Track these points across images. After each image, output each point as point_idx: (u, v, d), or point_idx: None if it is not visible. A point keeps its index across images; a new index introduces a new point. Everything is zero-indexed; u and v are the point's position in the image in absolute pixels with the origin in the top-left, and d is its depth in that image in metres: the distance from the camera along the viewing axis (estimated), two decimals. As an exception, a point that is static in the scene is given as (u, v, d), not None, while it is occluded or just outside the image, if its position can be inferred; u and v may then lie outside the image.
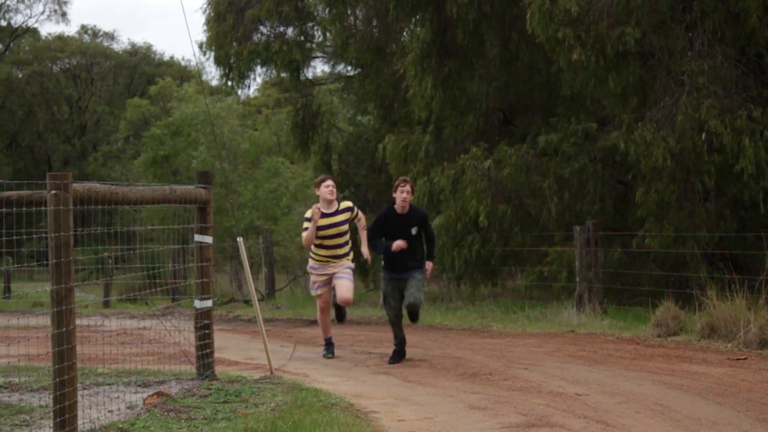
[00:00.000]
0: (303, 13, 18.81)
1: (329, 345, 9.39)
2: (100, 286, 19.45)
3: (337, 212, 9.08)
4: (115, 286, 19.21)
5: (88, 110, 43.54)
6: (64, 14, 43.30)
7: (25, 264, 21.70)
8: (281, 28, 18.89)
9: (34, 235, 13.29)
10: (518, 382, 7.44)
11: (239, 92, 27.05)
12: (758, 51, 12.19)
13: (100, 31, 45.72)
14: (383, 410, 6.30)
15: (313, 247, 9.13)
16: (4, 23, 43.08)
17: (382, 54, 17.49)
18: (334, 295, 9.25)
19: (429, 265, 8.85)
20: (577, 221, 13.24)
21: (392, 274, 8.78)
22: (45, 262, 5.18)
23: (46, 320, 5.35)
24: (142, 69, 44.12)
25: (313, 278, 9.33)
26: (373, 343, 10.61)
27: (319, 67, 45.33)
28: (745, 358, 8.45)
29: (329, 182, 9.13)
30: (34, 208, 5.43)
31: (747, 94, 11.80)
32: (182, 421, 5.77)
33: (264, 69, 19.76)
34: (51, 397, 5.10)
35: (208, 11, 19.11)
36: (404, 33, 17.62)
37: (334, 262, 9.09)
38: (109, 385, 7.18)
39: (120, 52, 45.00)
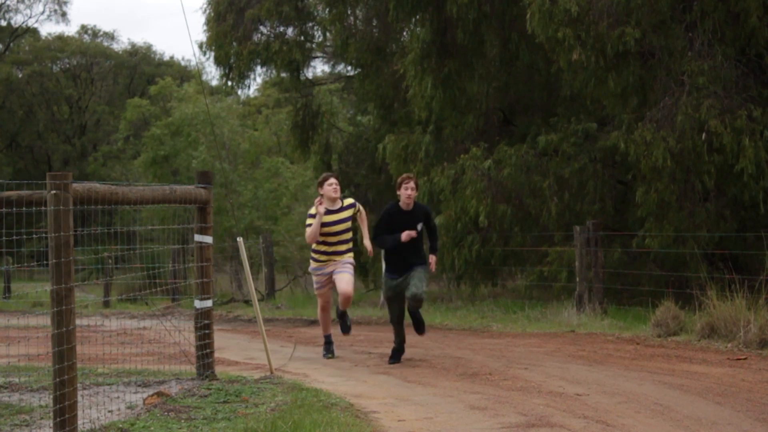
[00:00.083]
0: (303, 13, 18.82)
1: (329, 344, 9.39)
2: (100, 286, 19.45)
3: (341, 209, 9.08)
4: (115, 286, 19.21)
5: (88, 110, 43.54)
6: (64, 14, 43.34)
7: (25, 264, 21.70)
8: (281, 28, 18.90)
9: (34, 235, 13.29)
10: (518, 382, 7.44)
11: (239, 92, 27.06)
12: (758, 51, 12.19)
13: (100, 31, 45.75)
14: (383, 410, 6.30)
15: (314, 245, 9.12)
16: (4, 23, 43.09)
17: (382, 54, 17.49)
18: (337, 307, 9.26)
19: (433, 258, 8.84)
20: (577, 221, 13.24)
21: (395, 277, 8.74)
22: (45, 262, 5.18)
23: (46, 320, 5.35)
24: (142, 69, 44.12)
25: (315, 278, 9.33)
26: (373, 343, 10.61)
27: (319, 67, 45.37)
28: (745, 358, 8.45)
29: (332, 180, 9.11)
30: (34, 208, 5.43)
31: (747, 94, 11.80)
32: (182, 421, 5.77)
33: (264, 69, 19.78)
34: (51, 397, 5.10)
35: (208, 11, 19.12)
36: (404, 33, 17.62)
37: (336, 260, 9.08)
38: (109, 385, 7.18)
39: (120, 52, 45.00)
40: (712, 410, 6.16)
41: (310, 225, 8.96)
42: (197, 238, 7.42)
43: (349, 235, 9.17)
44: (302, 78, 20.01)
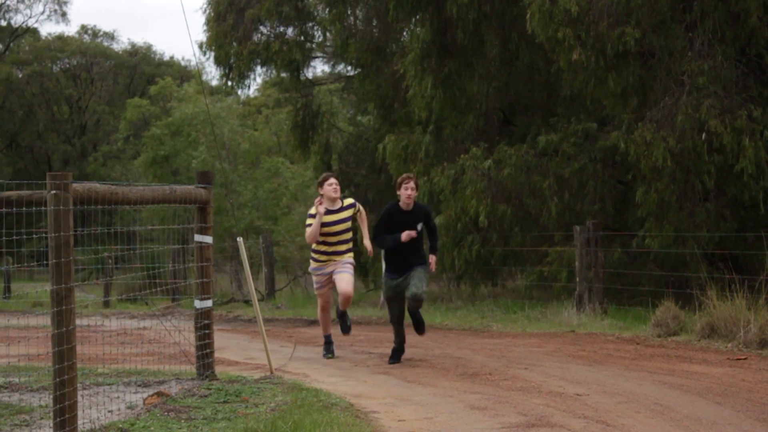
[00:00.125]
0: (303, 13, 18.82)
1: (329, 344, 9.39)
2: (100, 286, 19.46)
3: (341, 209, 9.08)
4: (115, 286, 19.21)
5: (88, 110, 43.54)
6: (64, 14, 43.36)
7: (25, 264, 21.70)
8: (281, 28, 18.91)
9: (34, 235, 13.29)
10: (518, 382, 7.44)
11: (239, 92, 27.06)
12: (758, 51, 12.19)
13: (100, 31, 45.76)
14: (383, 410, 6.30)
15: (314, 245, 9.11)
16: (4, 23, 43.10)
17: (382, 54, 17.49)
18: (338, 308, 9.26)
19: (433, 258, 8.84)
20: (577, 221, 13.24)
21: (395, 277, 8.74)
22: (45, 262, 5.18)
23: (46, 320, 5.35)
24: (142, 69, 44.13)
25: (315, 279, 9.32)
26: (373, 343, 10.61)
27: (319, 67, 45.39)
28: (745, 358, 8.45)
29: (332, 180, 9.10)
30: (34, 208, 5.43)
31: (747, 94, 11.80)
32: (182, 421, 5.77)
33: (264, 69, 19.78)
34: (51, 397, 5.09)
35: (208, 11, 19.12)
36: (404, 33, 17.62)
37: (336, 260, 9.08)
38: (109, 385, 7.18)
39: (120, 52, 45.01)
40: (712, 410, 6.16)
41: (310, 225, 8.95)
42: (197, 238, 7.42)
43: (349, 235, 9.17)
44: (302, 78, 20.01)
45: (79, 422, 5.26)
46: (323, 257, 9.12)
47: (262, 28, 18.88)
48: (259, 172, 25.81)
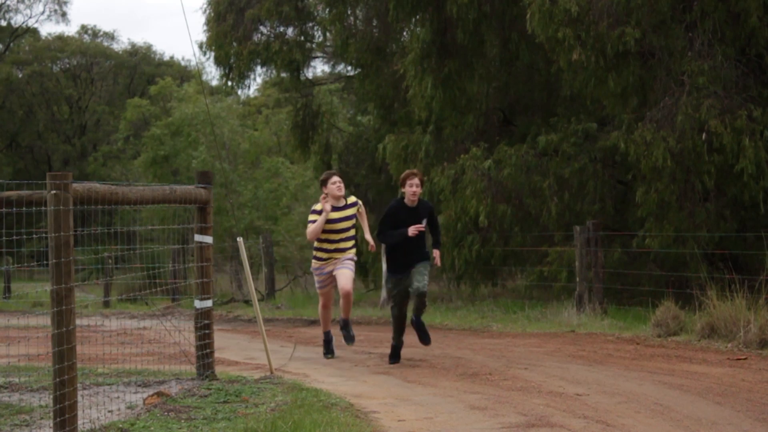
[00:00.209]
0: (303, 13, 18.82)
1: (328, 342, 9.38)
2: (100, 286, 19.46)
3: (345, 207, 9.08)
4: (115, 286, 19.21)
5: (88, 110, 43.54)
6: (64, 14, 43.35)
7: (25, 264, 21.71)
8: (281, 28, 18.91)
9: (34, 235, 13.30)
10: (518, 382, 7.44)
11: (239, 92, 27.07)
12: (758, 51, 12.19)
13: (100, 31, 45.76)
14: (383, 410, 6.30)
15: (316, 242, 9.10)
16: (4, 23, 43.10)
17: (382, 54, 17.49)
18: (341, 318, 9.25)
19: (436, 252, 8.83)
20: (577, 221, 13.24)
21: (397, 275, 8.72)
22: (45, 262, 5.18)
23: (46, 320, 5.35)
24: (142, 69, 44.12)
25: (317, 278, 9.32)
26: (373, 343, 10.61)
27: (319, 67, 45.40)
28: (745, 358, 8.45)
29: (336, 178, 9.06)
30: (34, 208, 5.43)
31: (747, 94, 11.80)
32: (182, 421, 5.77)
33: (264, 69, 19.79)
34: (51, 397, 5.10)
35: (208, 11, 19.12)
36: (404, 33, 17.62)
37: (338, 256, 9.07)
38: (109, 385, 7.18)
39: (120, 52, 45.00)
40: (712, 410, 6.16)
41: (313, 221, 8.92)
42: (197, 238, 7.42)
43: (352, 232, 9.16)
44: (302, 78, 20.01)
45: (79, 422, 5.26)
46: (325, 255, 9.11)
47: (262, 28, 18.89)
48: (259, 172, 25.82)
